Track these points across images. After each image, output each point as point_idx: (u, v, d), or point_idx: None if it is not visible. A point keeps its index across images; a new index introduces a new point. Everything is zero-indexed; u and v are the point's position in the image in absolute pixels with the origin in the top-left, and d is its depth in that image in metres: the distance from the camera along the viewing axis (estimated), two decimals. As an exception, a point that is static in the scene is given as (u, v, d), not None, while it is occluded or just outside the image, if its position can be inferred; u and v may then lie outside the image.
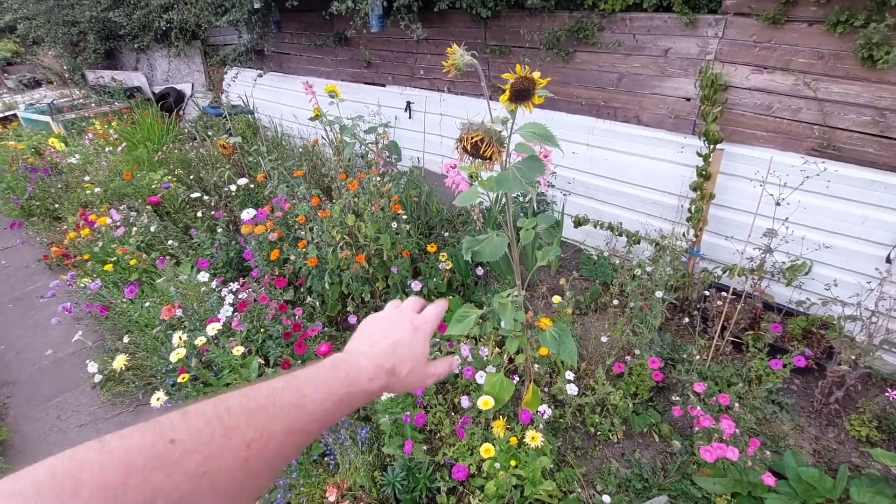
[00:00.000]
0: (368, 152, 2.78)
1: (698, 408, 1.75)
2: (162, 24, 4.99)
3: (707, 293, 2.51)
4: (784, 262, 2.37)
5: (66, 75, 7.66)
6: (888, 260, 2.17)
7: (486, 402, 1.58)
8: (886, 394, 1.95)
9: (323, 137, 3.57)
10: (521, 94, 0.93)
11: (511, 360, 2.19)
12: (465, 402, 1.80)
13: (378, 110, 4.04)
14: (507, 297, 1.54)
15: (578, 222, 3.00)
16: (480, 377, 1.84)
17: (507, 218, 1.35)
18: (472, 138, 0.98)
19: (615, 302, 2.35)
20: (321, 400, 0.44)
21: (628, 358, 2.11)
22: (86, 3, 5.82)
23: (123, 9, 5.42)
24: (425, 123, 3.76)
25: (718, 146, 2.41)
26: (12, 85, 8.38)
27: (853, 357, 2.00)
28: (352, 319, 2.41)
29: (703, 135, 2.40)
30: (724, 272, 2.52)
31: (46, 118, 5.74)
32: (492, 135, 0.98)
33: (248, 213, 2.60)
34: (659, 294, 2.08)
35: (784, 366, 2.05)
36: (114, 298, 2.40)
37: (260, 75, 5.01)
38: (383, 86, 4.09)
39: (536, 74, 0.91)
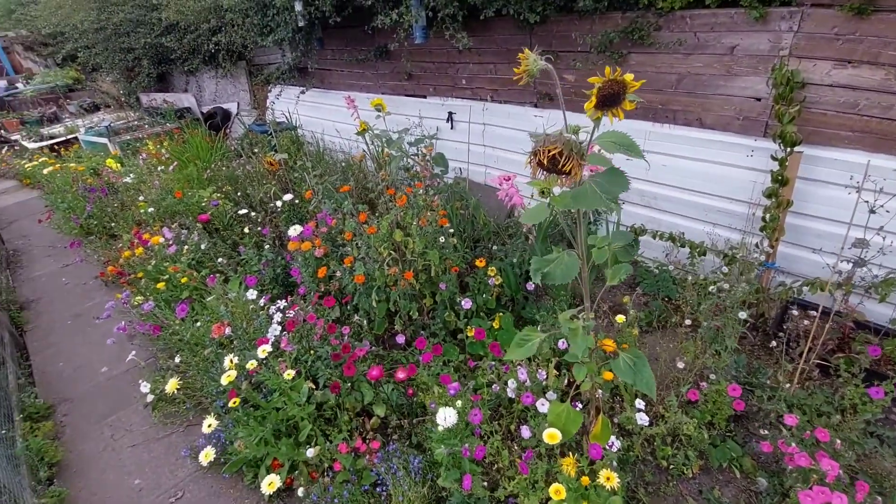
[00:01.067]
0: (414, 165, 2.72)
1: (793, 444, 1.55)
2: (210, 46, 5.17)
3: (786, 311, 2.29)
4: (878, 276, 2.12)
5: (122, 99, 8.11)
6: None
7: (551, 436, 1.45)
8: None
9: (365, 150, 3.56)
10: (610, 99, 0.81)
11: (571, 384, 2.05)
12: (525, 432, 1.67)
13: (420, 122, 4.00)
14: (576, 320, 1.41)
15: (636, 233, 2.82)
16: (542, 405, 1.70)
17: (579, 235, 1.23)
18: (548, 151, 0.87)
19: (687, 321, 2.16)
20: None
21: (703, 384, 1.92)
22: (141, 30, 6.13)
23: (175, 34, 5.66)
24: (469, 133, 3.68)
25: (796, 149, 2.20)
26: (73, 110, 8.93)
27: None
28: (399, 339, 2.33)
29: (779, 137, 2.19)
30: (805, 287, 2.28)
31: (104, 140, 6.04)
32: (571, 147, 0.87)
33: (294, 230, 2.58)
34: (742, 315, 1.89)
35: (885, 394, 1.81)
36: (166, 318, 2.42)
37: (303, 92, 5.09)
38: (424, 97, 4.05)
39: (629, 76, 0.80)
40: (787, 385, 1.98)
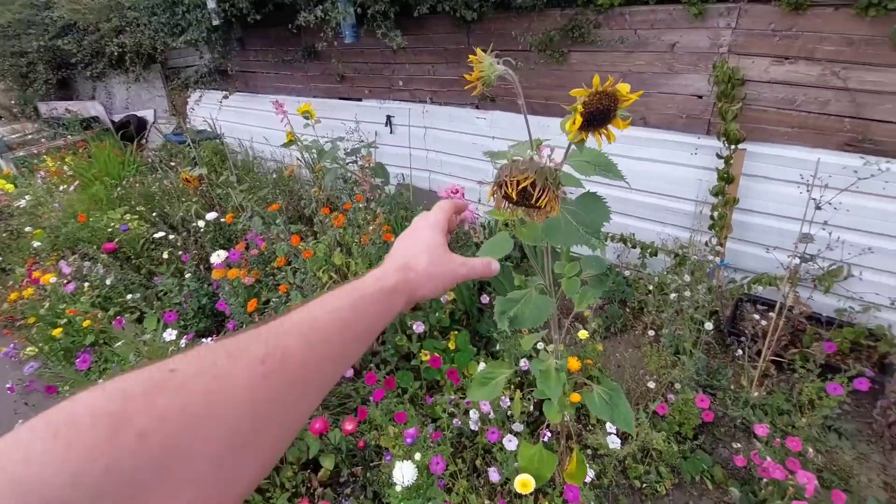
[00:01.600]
0: (352, 176, 2.50)
1: (768, 458, 1.50)
2: (114, 48, 4.62)
3: (738, 308, 2.28)
4: (822, 269, 2.15)
5: (17, 109, 7.18)
6: (938, 260, 1.97)
7: (524, 484, 1.30)
8: (963, 415, 1.73)
9: (299, 160, 3.27)
10: (598, 117, 0.64)
11: (538, 404, 1.91)
12: (493, 475, 1.51)
13: (356, 126, 3.75)
14: (545, 353, 1.26)
15: (587, 237, 2.75)
16: (509, 442, 1.55)
17: (546, 264, 1.08)
18: (518, 183, 0.69)
19: (650, 333, 2.08)
20: (331, 310, 0.42)
21: (671, 396, 1.85)
22: (32, 32, 5.40)
23: (73, 35, 5.03)
24: (410, 137, 3.49)
25: (740, 146, 2.19)
26: (-42, 123, 7.82)
27: (920, 374, 1.78)
28: (347, 372, 2.10)
29: (723, 134, 2.18)
30: (755, 283, 2.29)
31: (-7, 157, 5.27)
32: (546, 176, 0.69)
33: (218, 256, 2.27)
34: (708, 326, 1.83)
35: (840, 388, 1.81)
36: (64, 371, 2.04)
37: (225, 97, 4.67)
38: (359, 100, 3.80)
39: (625, 87, 0.63)
40: (748, 387, 1.96)
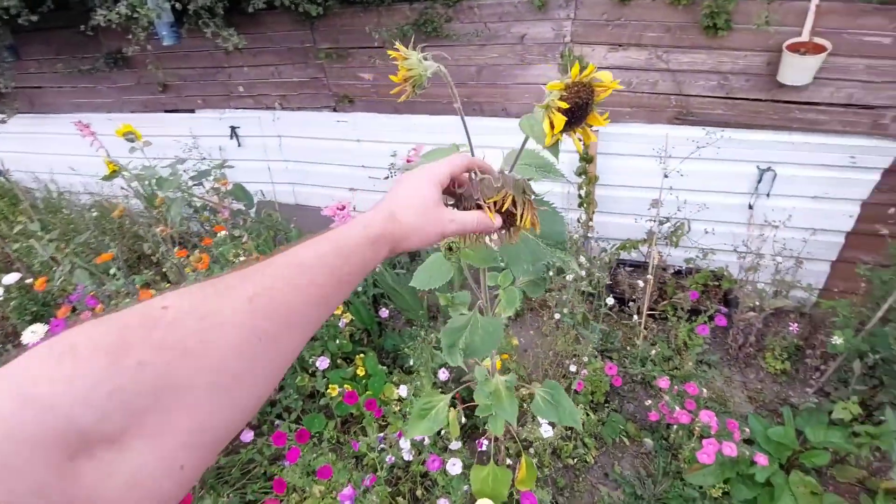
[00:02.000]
0: (205, 204, 2.11)
1: (677, 408, 1.66)
2: None
3: (614, 274, 2.52)
4: (671, 228, 2.47)
5: None
6: (750, 206, 2.40)
7: (485, 509, 1.22)
8: (790, 327, 2.14)
9: (124, 189, 2.68)
10: (576, 113, 0.55)
11: (471, 410, 1.85)
12: (444, 504, 1.41)
13: (194, 143, 3.23)
14: (482, 372, 1.19)
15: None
16: (454, 466, 1.46)
17: (482, 279, 0.99)
18: (499, 205, 0.58)
19: (556, 316, 2.15)
20: (318, 255, 0.43)
21: (584, 371, 1.94)
22: None
23: None
24: (266, 149, 3.12)
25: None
26: None
27: (757, 303, 2.15)
28: (245, 435, 1.78)
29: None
30: (622, 249, 2.55)
31: None
32: (524, 189, 0.60)
33: (33, 333, 1.73)
34: (610, 301, 1.96)
35: (707, 329, 2.11)
36: None
37: (2, 121, 3.63)
38: (192, 111, 3.27)
39: (607, 75, 0.55)
40: (640, 344, 2.17)
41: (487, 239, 0.66)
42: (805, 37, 1.90)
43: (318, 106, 2.99)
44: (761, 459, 1.53)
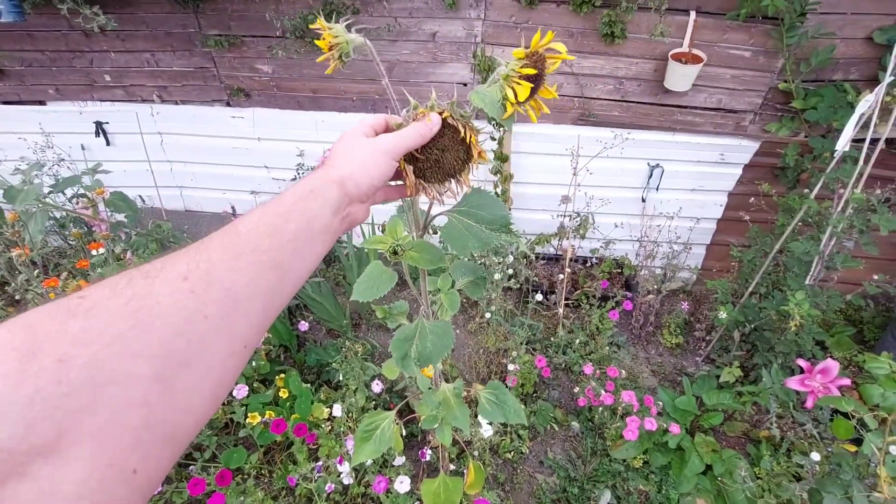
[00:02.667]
0: (73, 217, 1.75)
1: (603, 393, 1.78)
2: None
3: (532, 267, 2.63)
4: (578, 221, 2.65)
5: None
6: (643, 199, 2.66)
7: (444, 524, 1.19)
8: (682, 305, 2.42)
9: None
10: (532, 84, 0.56)
11: (411, 417, 1.80)
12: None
13: (47, 142, 2.69)
14: (424, 381, 1.15)
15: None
16: (401, 483, 1.40)
17: (422, 282, 0.94)
18: (424, 115, 0.58)
19: (487, 315, 2.17)
20: (255, 218, 0.40)
21: (513, 367, 2.00)
22: None
23: None
24: (146, 148, 2.71)
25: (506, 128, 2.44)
26: None
27: (654, 287, 2.40)
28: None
29: (492, 118, 2.38)
30: (536, 244, 2.67)
31: None
32: (461, 113, 0.61)
33: None
34: (538, 297, 2.01)
35: (617, 314, 2.30)
36: None
37: None
38: (42, 103, 2.73)
39: (562, 46, 0.55)
40: (562, 333, 2.29)
41: (457, 188, 0.63)
42: (685, 48, 2.14)
43: (207, 99, 2.67)
44: (674, 428, 1.72)
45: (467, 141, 0.58)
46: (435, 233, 0.81)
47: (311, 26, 0.61)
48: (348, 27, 0.66)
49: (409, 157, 0.58)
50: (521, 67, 0.53)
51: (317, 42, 0.64)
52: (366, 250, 2.38)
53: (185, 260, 0.34)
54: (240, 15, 2.37)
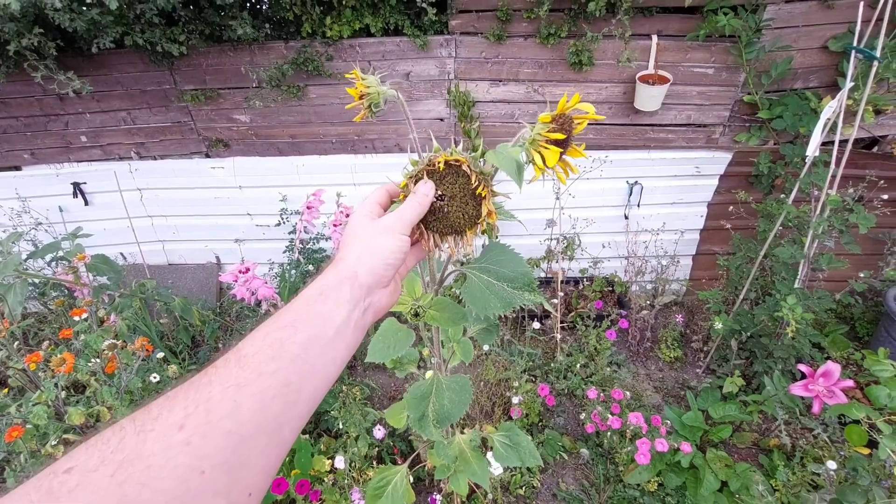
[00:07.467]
0: (52, 283, 1.71)
1: (610, 417, 1.74)
2: None
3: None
4: (564, 243, 2.66)
5: None
6: (626, 217, 2.70)
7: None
8: (677, 318, 2.42)
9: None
10: (559, 146, 0.55)
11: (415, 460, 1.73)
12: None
13: (23, 206, 2.65)
14: (454, 442, 1.12)
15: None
16: (415, 533, 1.33)
17: (435, 337, 0.92)
18: (441, 174, 0.57)
19: (485, 348, 2.15)
20: (258, 341, 0.38)
21: (517, 398, 1.96)
22: None
23: None
24: (125, 205, 2.67)
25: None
26: None
27: (648, 303, 2.40)
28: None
29: (471, 150, 2.42)
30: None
31: None
32: (479, 167, 0.60)
33: None
34: (535, 325, 1.99)
35: (614, 333, 2.29)
36: None
37: None
38: (17, 168, 2.69)
39: (589, 107, 0.55)
40: (561, 358, 2.26)
41: (456, 246, 0.62)
42: (651, 69, 2.22)
43: (186, 152, 2.67)
44: (685, 447, 1.68)
45: (478, 192, 0.58)
46: (450, 288, 0.79)
47: (346, 76, 0.62)
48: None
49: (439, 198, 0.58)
50: (549, 132, 0.53)
51: (348, 90, 0.65)
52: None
53: (185, 402, 0.32)
54: (214, 69, 2.40)
